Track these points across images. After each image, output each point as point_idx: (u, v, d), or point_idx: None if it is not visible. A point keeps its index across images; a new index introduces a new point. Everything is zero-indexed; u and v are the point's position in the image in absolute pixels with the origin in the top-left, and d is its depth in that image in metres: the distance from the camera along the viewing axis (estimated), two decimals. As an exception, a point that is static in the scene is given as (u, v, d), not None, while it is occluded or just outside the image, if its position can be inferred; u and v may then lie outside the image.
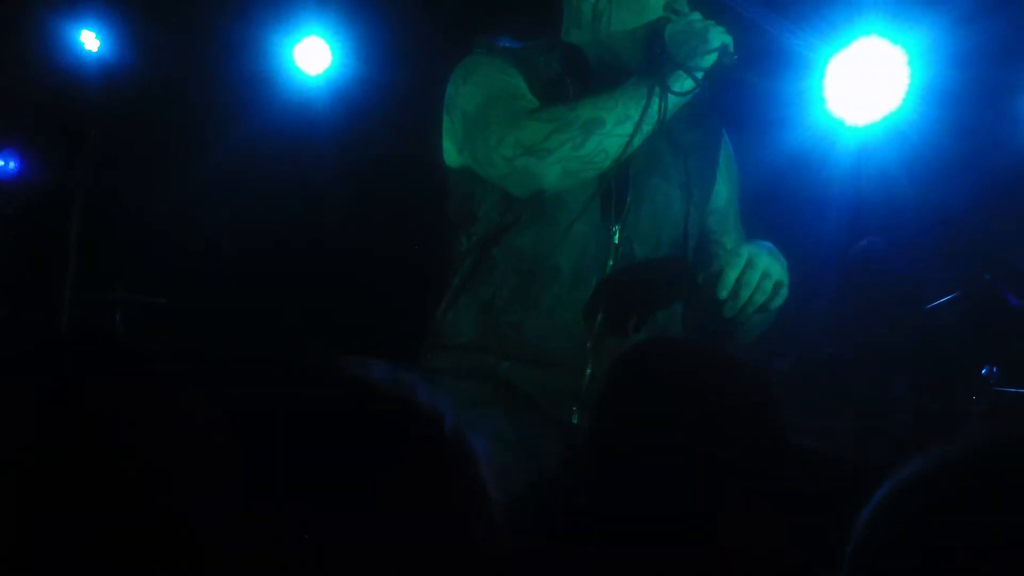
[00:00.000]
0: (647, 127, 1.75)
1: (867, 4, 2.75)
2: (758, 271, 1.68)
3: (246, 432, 0.64)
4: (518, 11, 2.48)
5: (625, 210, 1.85)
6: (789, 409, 1.35)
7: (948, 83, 3.01)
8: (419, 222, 3.56)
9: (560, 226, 1.81)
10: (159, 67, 4.65)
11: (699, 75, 1.74)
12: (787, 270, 1.74)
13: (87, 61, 4.71)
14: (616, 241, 1.83)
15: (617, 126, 1.73)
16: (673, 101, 1.76)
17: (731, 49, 1.74)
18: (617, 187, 1.84)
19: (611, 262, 1.83)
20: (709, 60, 1.73)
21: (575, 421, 1.78)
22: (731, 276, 1.68)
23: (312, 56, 4.43)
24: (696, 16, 1.80)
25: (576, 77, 1.87)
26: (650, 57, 1.82)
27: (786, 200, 3.52)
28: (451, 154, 1.91)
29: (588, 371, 1.79)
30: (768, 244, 1.75)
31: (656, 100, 1.74)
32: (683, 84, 1.75)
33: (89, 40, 4.69)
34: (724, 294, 1.68)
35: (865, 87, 2.73)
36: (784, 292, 1.73)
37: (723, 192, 2.04)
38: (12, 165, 5.29)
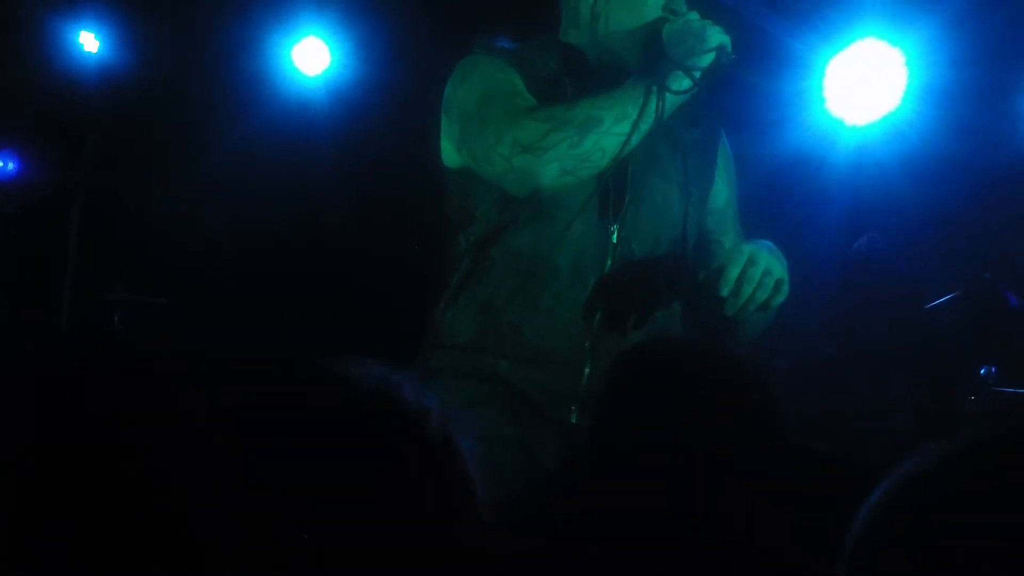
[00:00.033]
0: (645, 126, 1.75)
1: (865, 6, 2.77)
2: (759, 268, 1.68)
3: (233, 431, 0.64)
4: (517, 12, 2.48)
5: (623, 209, 1.85)
6: (789, 409, 1.35)
7: (946, 83, 3.02)
8: (418, 222, 3.56)
9: (559, 225, 1.81)
10: (158, 68, 4.65)
11: (697, 74, 1.74)
12: (787, 269, 1.74)
13: (86, 62, 4.71)
14: (614, 240, 1.84)
15: (615, 125, 1.73)
16: (671, 100, 1.76)
17: (729, 49, 1.74)
18: (615, 186, 1.84)
19: (609, 261, 1.83)
20: (707, 59, 1.74)
21: (574, 420, 1.78)
22: (733, 273, 1.68)
23: (311, 57, 4.43)
24: (694, 16, 1.80)
25: (574, 77, 1.87)
26: (648, 57, 1.82)
27: (785, 200, 3.52)
28: (449, 154, 1.91)
29: (587, 370, 1.79)
30: (768, 243, 1.76)
31: (654, 99, 1.74)
32: (681, 83, 1.75)
33: (88, 41, 4.69)
34: (726, 291, 1.68)
35: (864, 88, 2.75)
36: (785, 290, 1.74)
37: (722, 192, 2.04)
38: (11, 166, 5.29)
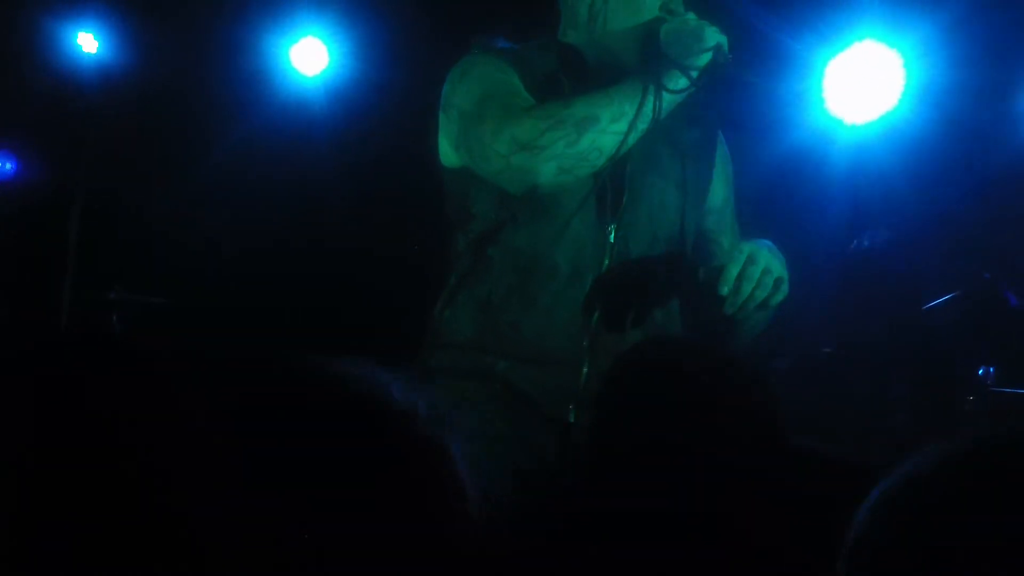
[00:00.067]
0: (642, 125, 1.76)
1: (864, 7, 2.79)
2: (759, 267, 1.69)
3: (219, 430, 0.64)
4: (516, 12, 2.48)
5: (622, 209, 1.85)
6: (789, 409, 1.35)
7: (945, 84, 3.04)
8: (417, 222, 3.56)
9: (557, 224, 1.81)
10: (157, 68, 4.65)
11: (694, 74, 1.75)
12: (786, 268, 1.75)
13: (85, 62, 4.71)
14: (612, 240, 1.84)
15: (612, 123, 1.74)
16: (668, 99, 1.76)
17: (726, 48, 1.74)
18: (614, 186, 1.84)
19: (608, 260, 1.83)
20: (704, 59, 1.74)
21: (572, 419, 1.78)
22: (732, 271, 1.68)
23: (309, 57, 4.43)
24: (691, 16, 1.80)
25: (573, 77, 1.87)
26: (646, 57, 1.82)
27: (784, 200, 3.52)
28: (448, 153, 1.91)
29: (585, 369, 1.80)
30: (767, 242, 1.76)
31: (651, 98, 1.75)
32: (678, 82, 1.75)
33: (87, 42, 4.69)
34: (726, 289, 1.68)
35: (862, 89, 2.77)
36: (784, 288, 1.74)
37: (720, 192, 2.04)
38: (9, 166, 5.29)
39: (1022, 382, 3.36)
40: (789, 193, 3.57)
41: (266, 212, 4.69)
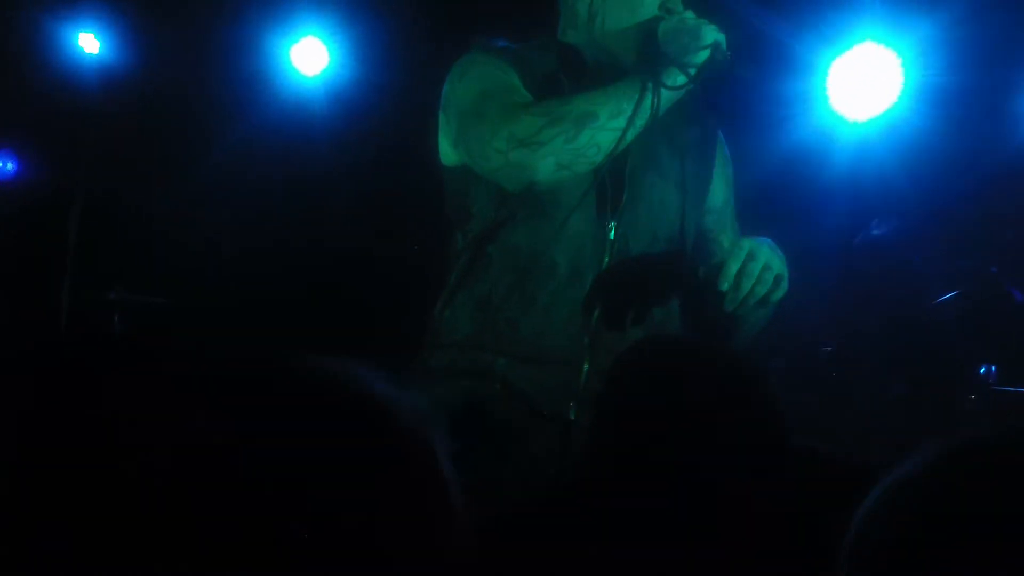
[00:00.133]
0: (640, 122, 1.76)
1: (864, 9, 2.81)
2: (759, 264, 1.69)
3: (200, 430, 0.64)
4: (516, 12, 2.49)
5: (621, 207, 1.85)
6: (788, 408, 1.35)
7: (943, 83, 3.06)
8: (417, 221, 3.56)
9: (556, 222, 1.82)
10: (158, 68, 4.65)
11: (692, 71, 1.75)
12: (786, 265, 1.75)
13: (86, 63, 4.71)
14: (612, 238, 1.84)
15: (610, 120, 1.74)
16: (666, 96, 1.76)
17: (724, 46, 1.75)
18: (613, 184, 1.85)
19: (607, 259, 1.84)
20: (702, 57, 1.74)
21: (572, 417, 1.79)
22: (733, 268, 1.69)
23: (309, 57, 4.43)
24: (689, 14, 1.81)
25: (572, 75, 1.87)
26: (645, 56, 1.83)
27: (784, 198, 3.52)
28: (447, 152, 1.91)
29: (585, 368, 1.80)
30: (768, 240, 1.76)
31: (649, 95, 1.75)
32: (676, 80, 1.76)
33: (88, 42, 4.69)
34: (726, 286, 1.69)
35: (862, 88, 2.80)
36: (784, 285, 1.74)
37: (720, 192, 2.04)
38: (10, 166, 5.29)
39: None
40: (789, 192, 3.57)
41: (266, 212, 4.69)
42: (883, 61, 2.74)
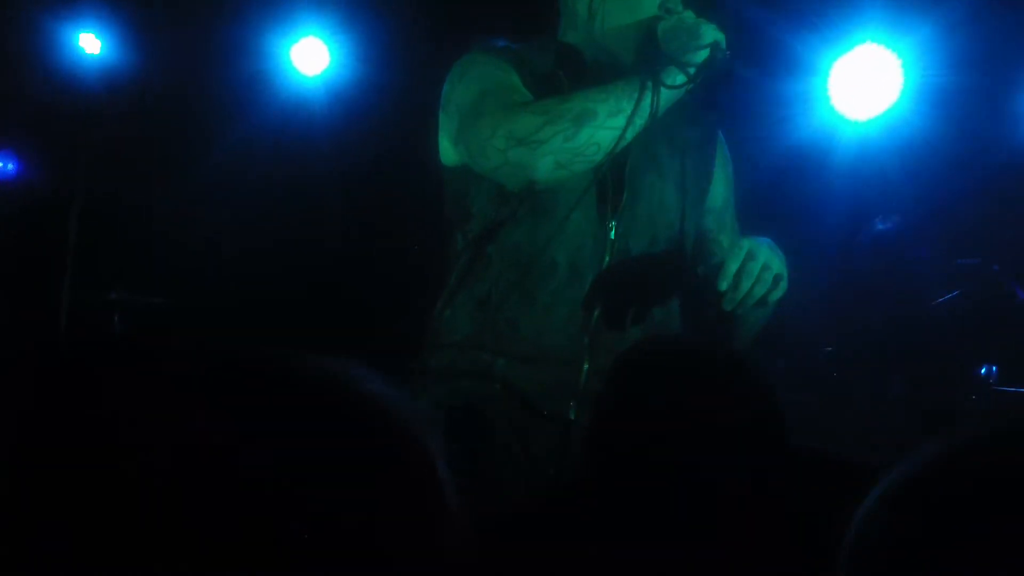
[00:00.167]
0: (640, 120, 1.76)
1: (865, 12, 2.83)
2: (758, 263, 1.69)
3: (207, 430, 0.64)
4: (516, 12, 2.49)
5: (621, 206, 1.85)
6: (788, 408, 1.35)
7: (942, 83, 3.08)
8: (418, 221, 3.56)
9: (556, 222, 1.82)
10: (158, 68, 4.65)
11: (691, 70, 1.75)
12: (786, 265, 1.75)
13: (86, 63, 4.71)
14: (612, 237, 1.84)
15: (609, 119, 1.74)
16: (666, 95, 1.76)
17: (723, 45, 1.75)
18: (613, 183, 1.85)
19: (607, 258, 1.84)
20: (701, 55, 1.74)
21: (572, 417, 1.79)
22: (732, 267, 1.68)
23: (310, 57, 4.43)
24: (688, 13, 1.81)
25: (572, 75, 1.88)
26: (645, 55, 1.83)
27: (785, 198, 3.52)
28: (447, 152, 1.92)
29: (585, 367, 1.80)
30: (767, 240, 1.76)
31: (649, 94, 1.75)
32: (675, 79, 1.76)
33: (89, 42, 4.69)
34: (725, 285, 1.69)
35: (863, 89, 2.82)
36: (784, 285, 1.74)
37: (720, 193, 2.05)
38: (11, 167, 5.29)
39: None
40: (790, 191, 3.57)
41: (267, 212, 4.70)
42: (884, 62, 2.76)
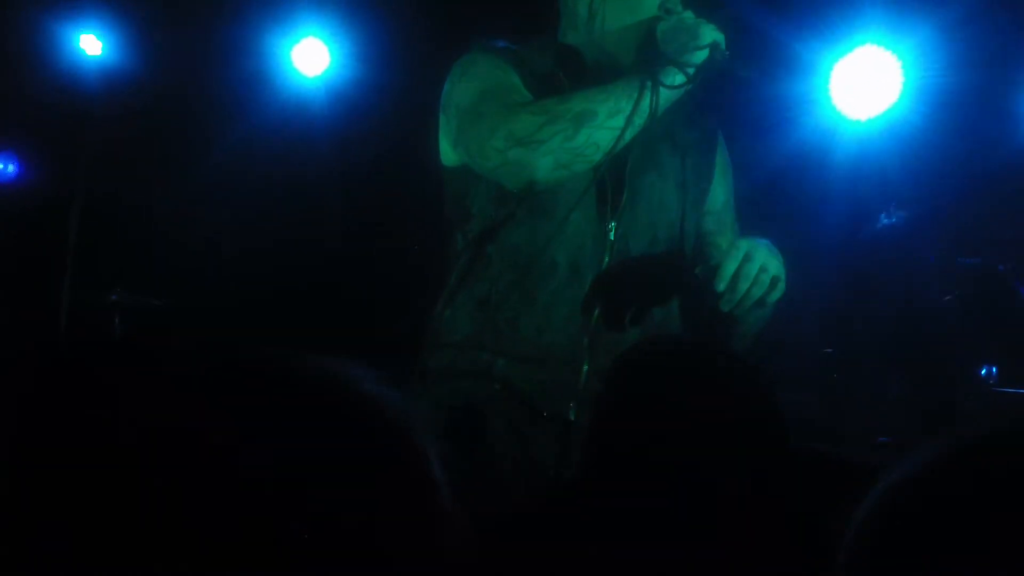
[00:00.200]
0: (639, 120, 1.76)
1: (865, 14, 2.86)
2: (756, 264, 1.69)
3: (207, 430, 0.64)
4: (516, 13, 2.49)
5: (621, 206, 1.85)
6: (788, 408, 1.35)
7: (941, 84, 3.10)
8: (418, 222, 3.56)
9: (556, 221, 1.82)
10: (159, 69, 4.65)
11: (690, 70, 1.75)
12: (784, 266, 1.75)
13: (87, 64, 4.71)
14: (612, 238, 1.84)
15: (608, 119, 1.74)
16: (665, 95, 1.76)
17: (722, 46, 1.75)
18: (613, 183, 1.85)
19: (607, 259, 1.84)
20: (700, 56, 1.74)
21: (572, 417, 1.79)
22: (729, 268, 1.69)
23: (310, 57, 4.43)
24: (688, 14, 1.81)
25: (572, 75, 1.88)
26: (645, 56, 1.83)
27: (785, 198, 3.52)
28: (447, 153, 1.92)
29: (585, 367, 1.80)
30: (765, 241, 1.76)
31: (648, 94, 1.75)
32: (675, 79, 1.76)
33: (90, 44, 4.69)
34: (722, 286, 1.69)
35: (863, 90, 2.85)
36: (781, 286, 1.74)
37: (720, 194, 2.05)
38: (11, 168, 5.29)
39: None
40: (791, 191, 3.57)
41: (267, 213, 4.70)
42: (884, 63, 2.79)
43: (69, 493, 0.62)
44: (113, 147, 4.66)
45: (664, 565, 1.18)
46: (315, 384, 0.69)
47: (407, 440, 0.69)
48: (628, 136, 1.76)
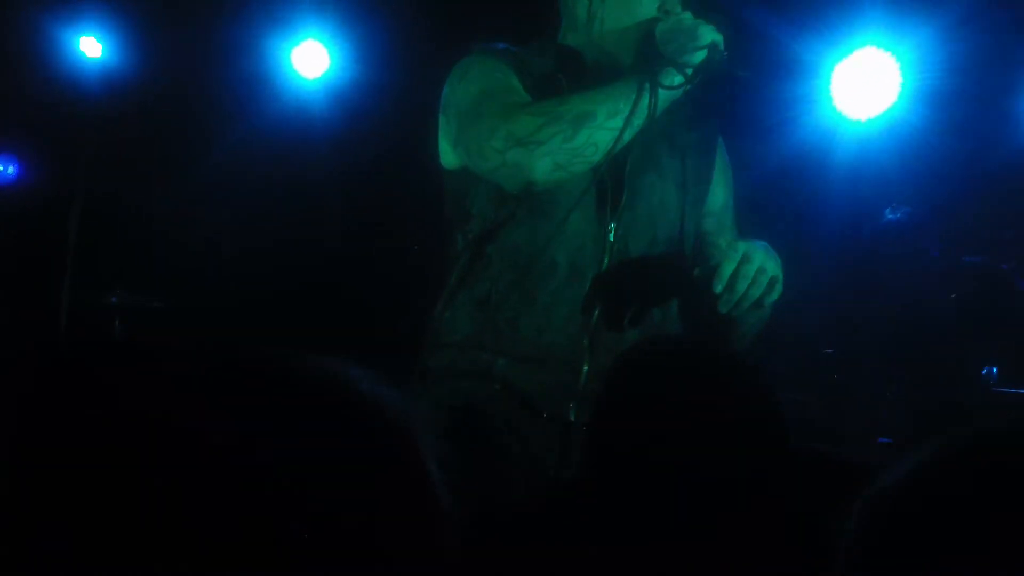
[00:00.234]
0: (637, 122, 1.76)
1: (866, 16, 2.87)
2: (754, 266, 1.69)
3: (207, 430, 0.64)
4: (516, 15, 2.49)
5: (621, 207, 1.86)
6: (788, 408, 1.35)
7: (940, 85, 3.11)
8: (418, 222, 3.56)
9: (555, 222, 1.82)
10: (159, 72, 4.65)
11: (689, 71, 1.75)
12: (782, 268, 1.75)
13: (87, 66, 4.71)
14: (612, 239, 1.84)
15: (607, 120, 1.74)
16: (664, 96, 1.77)
17: (721, 46, 1.75)
18: (613, 184, 1.85)
19: (607, 259, 1.84)
20: (699, 56, 1.74)
21: (572, 418, 1.79)
22: (727, 269, 1.69)
23: (310, 59, 4.43)
24: (687, 15, 1.81)
25: (571, 77, 1.88)
26: (644, 57, 1.83)
27: (785, 199, 3.52)
28: (447, 154, 1.92)
29: (585, 368, 1.80)
30: (763, 242, 1.76)
31: (647, 95, 1.75)
32: (673, 79, 1.76)
33: (90, 46, 4.70)
34: (720, 287, 1.69)
35: (863, 91, 2.87)
36: (779, 288, 1.74)
37: (720, 196, 2.05)
38: (11, 170, 5.30)
39: None
40: (791, 191, 3.58)
41: (267, 215, 4.70)
42: (883, 65, 2.81)
43: (69, 493, 0.62)
44: (113, 149, 4.67)
45: (664, 565, 1.18)
46: (315, 384, 0.69)
47: (407, 440, 0.69)
48: (627, 137, 1.76)
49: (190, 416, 0.64)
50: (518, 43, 1.98)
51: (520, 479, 1.75)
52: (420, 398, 1.82)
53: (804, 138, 3.15)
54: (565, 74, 1.89)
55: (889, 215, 3.67)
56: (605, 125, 1.74)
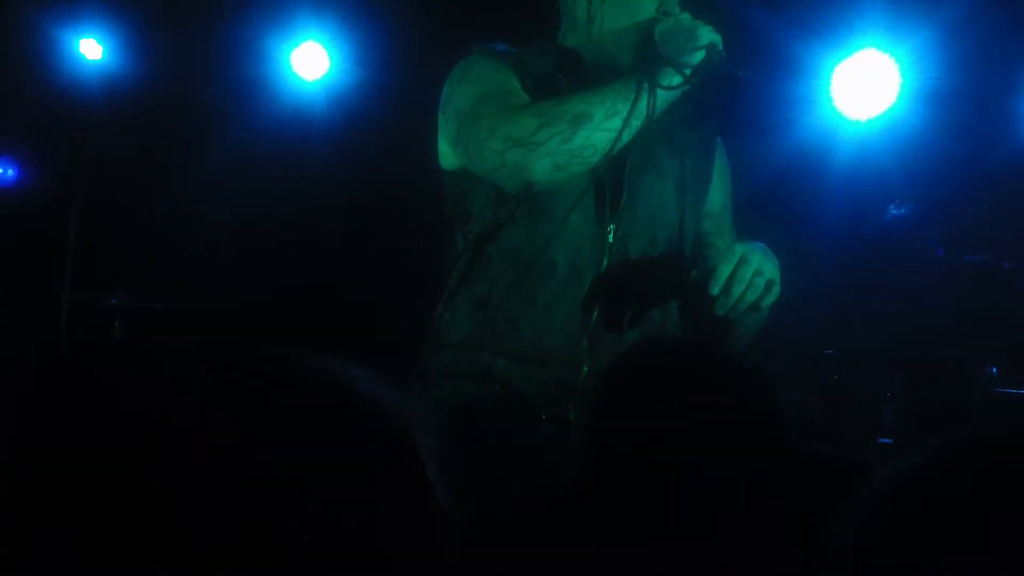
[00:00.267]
0: (636, 122, 1.76)
1: (866, 18, 2.89)
2: (751, 268, 1.69)
3: (207, 430, 0.64)
4: (516, 15, 2.49)
5: (620, 208, 1.86)
6: (788, 408, 1.35)
7: (939, 85, 3.12)
8: (417, 223, 3.56)
9: (555, 222, 1.82)
10: (159, 73, 4.66)
11: (687, 71, 1.75)
12: (779, 270, 1.75)
13: (88, 68, 4.72)
14: (611, 239, 1.84)
15: (606, 120, 1.74)
16: (662, 96, 1.77)
17: (719, 47, 1.75)
18: (612, 185, 1.85)
19: (606, 260, 1.84)
20: (698, 57, 1.75)
21: (572, 418, 1.79)
22: (724, 272, 1.69)
23: (310, 61, 4.43)
24: (686, 15, 1.81)
25: (570, 78, 1.88)
26: (643, 57, 1.83)
27: (785, 199, 3.52)
28: (447, 155, 1.92)
29: (584, 368, 1.80)
30: (761, 245, 1.76)
31: (645, 95, 1.75)
32: (672, 80, 1.76)
33: (90, 47, 4.70)
34: (716, 290, 1.69)
35: (863, 92, 2.88)
36: (776, 291, 1.74)
37: (718, 197, 2.05)
38: (11, 172, 5.30)
39: None
40: (791, 192, 3.58)
41: (267, 216, 4.70)
42: (883, 66, 2.82)
43: (69, 493, 0.62)
44: (113, 150, 4.67)
45: (664, 565, 1.18)
46: (315, 384, 0.69)
47: (407, 440, 0.69)
48: (626, 137, 1.76)
49: (190, 416, 0.64)
50: (518, 43, 1.98)
51: (520, 479, 1.75)
52: (420, 398, 1.82)
53: (804, 138, 3.16)
54: (565, 75, 1.89)
55: (893, 210, 3.67)
56: (603, 126, 1.74)
